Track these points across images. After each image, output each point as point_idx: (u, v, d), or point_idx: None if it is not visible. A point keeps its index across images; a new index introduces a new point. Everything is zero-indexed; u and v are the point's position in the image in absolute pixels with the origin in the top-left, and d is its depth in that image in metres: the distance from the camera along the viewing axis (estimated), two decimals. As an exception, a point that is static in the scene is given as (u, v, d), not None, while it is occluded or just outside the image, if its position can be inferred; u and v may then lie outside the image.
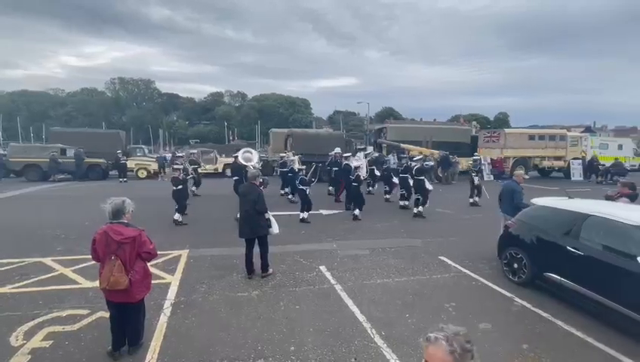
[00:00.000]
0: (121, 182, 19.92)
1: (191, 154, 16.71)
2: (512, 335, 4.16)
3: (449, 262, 6.70)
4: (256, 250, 5.88)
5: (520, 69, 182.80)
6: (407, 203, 12.05)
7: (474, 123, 35.77)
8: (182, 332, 4.17)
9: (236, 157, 10.29)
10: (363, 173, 10.61)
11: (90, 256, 3.68)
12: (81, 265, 6.21)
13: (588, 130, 49.01)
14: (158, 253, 6.82)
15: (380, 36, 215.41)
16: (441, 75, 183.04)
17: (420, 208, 10.78)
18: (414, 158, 11.96)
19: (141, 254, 3.54)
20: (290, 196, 13.44)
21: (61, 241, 7.74)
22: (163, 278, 5.77)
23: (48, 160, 18.98)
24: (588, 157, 23.22)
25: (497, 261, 6.25)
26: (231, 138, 61.00)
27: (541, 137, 22.76)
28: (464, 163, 21.45)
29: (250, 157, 10.11)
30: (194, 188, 14.64)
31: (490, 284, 5.65)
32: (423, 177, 11.05)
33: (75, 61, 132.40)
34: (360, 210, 10.37)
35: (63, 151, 19.89)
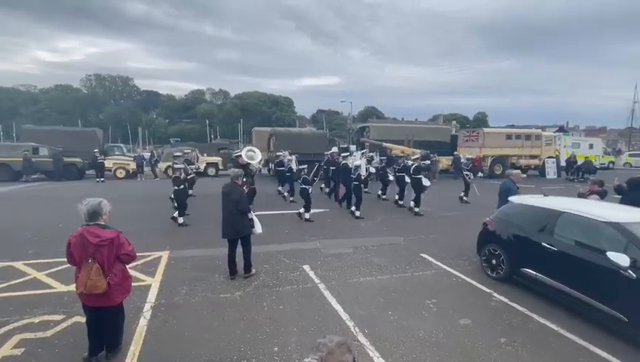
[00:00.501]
0: (98, 182, 19.32)
1: (185, 153, 16.21)
2: (490, 330, 4.27)
3: (430, 259, 6.82)
4: (239, 250, 5.81)
5: (497, 70, 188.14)
6: (402, 201, 12.27)
7: (454, 122, 36.55)
8: (163, 335, 4.08)
9: (239, 156, 10.16)
10: (363, 173, 10.77)
11: (65, 259, 3.55)
12: (55, 269, 5.98)
13: (561, 130, 50.86)
14: (138, 254, 6.68)
15: (362, 36, 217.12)
16: (421, 75, 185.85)
17: (416, 208, 11.02)
18: (413, 158, 12.15)
19: (120, 256, 3.44)
20: (285, 194, 13.42)
21: (33, 244, 7.43)
22: (143, 280, 5.62)
23: (22, 159, 18.19)
24: (563, 157, 24.08)
25: (477, 257, 6.41)
26: (213, 137, 60.07)
27: (518, 137, 23.46)
28: (444, 162, 21.89)
29: (254, 156, 10.05)
30: (190, 191, 14.25)
31: (469, 280, 5.79)
32: (420, 175, 11.23)
33: (48, 56, 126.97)
34: (358, 209, 10.48)
35: (36, 150, 19.09)
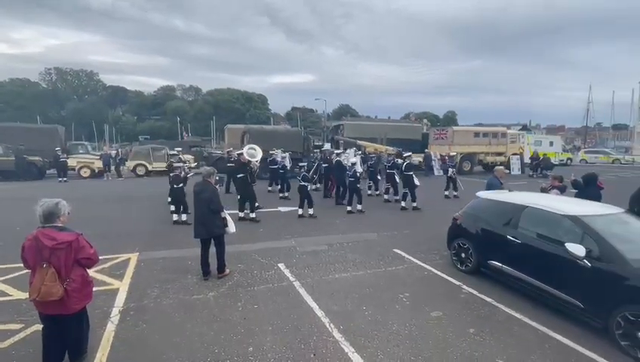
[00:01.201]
0: (60, 181, 18.30)
1: (178, 152, 15.40)
2: (460, 321, 4.42)
3: (403, 254, 6.97)
4: (212, 250, 5.68)
5: (466, 70, 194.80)
6: (394, 197, 12.57)
7: (425, 121, 37.44)
8: (132, 340, 3.93)
9: (240, 154, 10.15)
10: (359, 169, 10.97)
11: (22, 265, 3.32)
12: (11, 275, 5.61)
13: (525, 128, 53.50)
14: (105, 257, 6.42)
15: (336, 34, 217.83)
16: (394, 74, 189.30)
17: (413, 203, 11.30)
18: (405, 156, 12.42)
19: (80, 260, 3.22)
20: (280, 194, 13.34)
21: (-12, 249, 6.93)
22: (110, 284, 5.38)
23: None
24: (527, 154, 25.27)
25: (447, 251, 6.61)
26: (184, 134, 58.38)
27: (485, 135, 24.39)
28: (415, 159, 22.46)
29: (254, 154, 10.03)
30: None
31: (440, 274, 5.96)
32: (411, 173, 11.52)
33: (1, 48, 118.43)
34: (360, 203, 10.80)
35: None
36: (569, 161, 32.18)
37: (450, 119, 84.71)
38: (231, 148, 14.98)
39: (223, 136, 28.75)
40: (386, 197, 12.85)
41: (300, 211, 10.18)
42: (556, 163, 29.41)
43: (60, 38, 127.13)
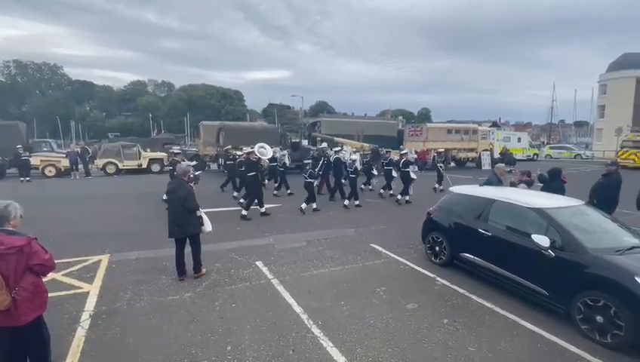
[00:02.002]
0: (22, 181, 17.32)
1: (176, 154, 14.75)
2: (434, 312, 4.56)
3: (380, 248, 7.09)
4: (188, 249, 5.56)
5: (438, 69, 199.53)
6: (388, 192, 13.08)
7: (400, 118, 38.13)
8: (104, 345, 3.79)
9: (251, 152, 10.31)
10: (359, 166, 11.66)
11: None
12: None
13: (495, 125, 55.44)
14: (73, 259, 6.16)
15: (312, 30, 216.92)
16: (370, 71, 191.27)
17: (407, 197, 11.85)
18: (402, 153, 13.11)
19: (32, 267, 2.92)
20: (275, 192, 13.37)
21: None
22: (79, 288, 5.17)
23: None
24: (496, 149, 26.23)
25: (422, 245, 6.78)
26: (156, 131, 56.62)
27: (457, 131, 25.15)
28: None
29: (265, 152, 10.34)
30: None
31: (416, 267, 6.12)
32: (408, 169, 12.09)
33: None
34: (357, 199, 11.27)
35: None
36: (535, 157, 33.71)
37: (424, 116, 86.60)
38: (229, 147, 14.98)
39: (197, 133, 28.09)
40: (381, 191, 13.33)
41: (304, 206, 10.32)
42: (524, 158, 30.79)
43: (19, 28, 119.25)
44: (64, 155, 20.97)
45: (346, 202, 11.20)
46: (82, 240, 7.43)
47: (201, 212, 5.63)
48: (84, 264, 6.09)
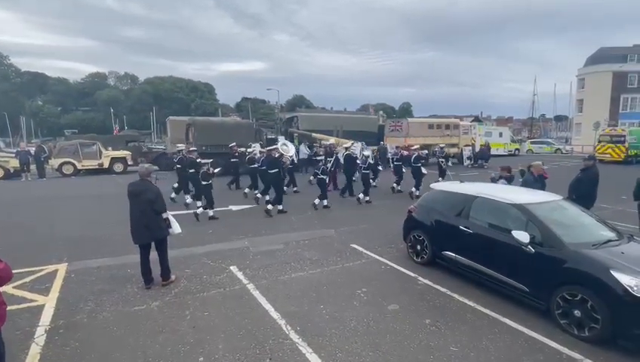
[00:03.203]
0: (-35, 184, 16.34)
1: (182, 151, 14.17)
2: (416, 313, 4.68)
3: (360, 249, 7.18)
4: (154, 255, 5.44)
5: (419, 62, 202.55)
6: (399, 187, 13.88)
7: (380, 112, 38.64)
8: (62, 362, 3.66)
9: (273, 149, 10.93)
10: (372, 162, 12.55)
11: None
12: None
13: (477, 119, 57.17)
14: (25, 270, 5.90)
15: (289, 20, 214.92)
16: (350, 64, 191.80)
17: (417, 192, 12.50)
18: (413, 148, 13.88)
19: None
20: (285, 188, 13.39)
21: None
22: (32, 301, 4.96)
23: None
24: (478, 145, 27.05)
25: (403, 244, 6.92)
26: (116, 127, 54.82)
27: (439, 126, 25.74)
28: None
29: (288, 150, 11.21)
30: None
31: (397, 267, 6.25)
32: (419, 164, 12.98)
33: None
34: (367, 195, 11.83)
35: None
36: (517, 152, 35.01)
37: (405, 110, 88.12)
38: (234, 144, 15.19)
39: (164, 130, 27.40)
40: (395, 187, 13.93)
41: (317, 201, 10.96)
42: (505, 153, 31.92)
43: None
44: (13, 155, 19.94)
45: (367, 198, 11.78)
46: (36, 248, 7.12)
47: (168, 214, 5.52)
48: (39, 274, 5.85)
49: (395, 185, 13.96)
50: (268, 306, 4.81)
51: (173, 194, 11.87)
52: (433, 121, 27.51)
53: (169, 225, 5.49)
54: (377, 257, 6.73)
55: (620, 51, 45.28)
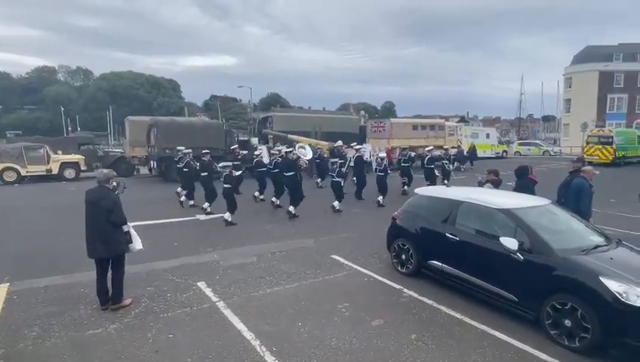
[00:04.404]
0: None
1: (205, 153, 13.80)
2: (402, 328, 4.73)
3: (341, 260, 7.22)
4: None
5: (402, 58, 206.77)
6: (407, 188, 14.64)
7: (362, 112, 39.15)
8: (2, 398, 3.48)
9: (289, 151, 11.68)
10: (387, 163, 13.34)
11: None
12: None
13: (463, 120, 58.85)
14: (-43, 293, 5.56)
15: (262, 10, 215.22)
16: (329, 59, 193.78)
17: None
18: (427, 149, 15.25)
19: None
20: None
21: None
22: (-33, 327, 4.69)
23: None
24: (464, 146, 27.76)
25: (387, 254, 7.01)
26: (70, 128, 53.02)
27: (423, 127, 26.33)
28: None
29: (305, 153, 12.08)
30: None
31: (381, 279, 6.31)
32: (433, 165, 13.95)
33: None
34: (384, 197, 12.51)
35: None
36: (505, 154, 36.18)
37: (388, 110, 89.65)
38: (236, 146, 15.24)
39: (123, 131, 26.74)
40: (405, 188, 14.64)
41: (336, 204, 11.56)
42: (492, 156, 32.91)
43: None
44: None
45: (380, 198, 12.42)
46: (-29, 266, 6.76)
47: (129, 226, 5.37)
48: (-25, 297, 5.55)
49: (405, 187, 14.75)
50: (240, 326, 4.75)
51: (191, 202, 12.33)
52: (417, 121, 28.13)
53: (129, 240, 5.32)
54: (360, 269, 6.78)
55: (606, 50, 47.88)
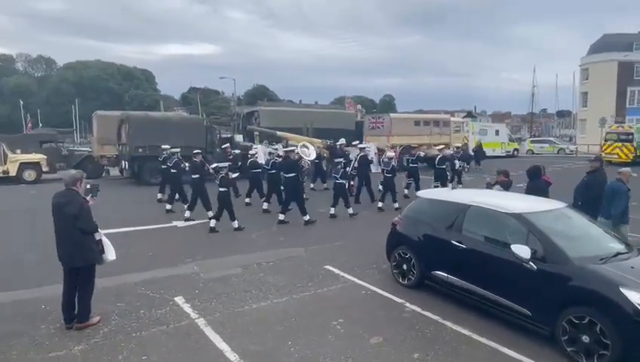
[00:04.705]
0: None
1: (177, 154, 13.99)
2: (403, 346, 4.75)
3: (336, 271, 7.23)
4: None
5: (400, 47, 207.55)
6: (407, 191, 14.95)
7: (359, 107, 39.26)
8: None
9: (291, 151, 12.02)
10: (395, 164, 13.82)
11: None
12: None
13: (470, 115, 59.34)
14: None
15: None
16: (322, 48, 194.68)
17: None
18: (439, 148, 15.72)
19: None
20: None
21: None
22: None
23: None
24: (472, 145, 27.94)
25: (387, 263, 7.03)
26: (30, 124, 52.39)
27: (426, 123, 26.45)
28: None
29: (308, 153, 12.32)
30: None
31: (380, 291, 6.33)
32: (444, 166, 14.49)
33: None
34: (395, 198, 12.93)
35: None
36: (516, 152, 36.58)
37: (387, 104, 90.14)
38: (227, 145, 16.34)
39: (90, 127, 26.51)
40: (406, 192, 14.84)
41: (333, 211, 11.66)
42: (502, 155, 33.23)
43: None
44: None
45: (396, 205, 12.59)
46: None
47: (101, 234, 5.32)
48: None
49: (406, 191, 14.94)
50: (223, 345, 4.73)
51: (169, 206, 12.35)
52: (420, 117, 28.32)
53: (102, 250, 5.26)
54: (356, 280, 6.79)
55: (625, 38, 48.55)
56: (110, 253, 5.40)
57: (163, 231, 10.04)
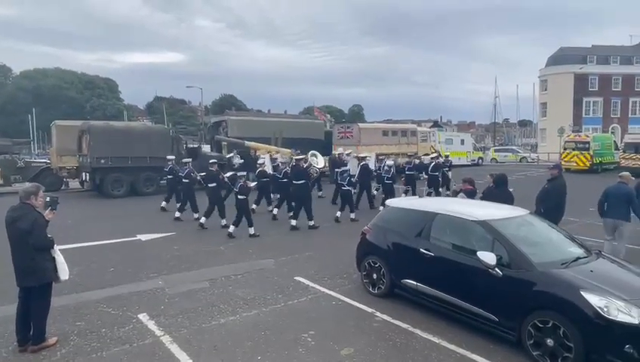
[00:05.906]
0: None
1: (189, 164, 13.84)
2: (374, 356, 4.75)
3: (306, 282, 7.19)
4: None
5: (369, 57, 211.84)
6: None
7: (328, 116, 39.62)
8: None
9: (299, 159, 12.42)
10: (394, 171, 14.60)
11: None
12: None
13: (436, 124, 60.93)
14: None
15: (213, 2, 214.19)
16: (288, 57, 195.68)
17: None
18: (432, 156, 16.57)
19: None
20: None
21: None
22: None
23: None
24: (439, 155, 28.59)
25: (357, 273, 7.05)
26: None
27: (394, 132, 27.00)
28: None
29: (317, 161, 13.27)
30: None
31: (350, 301, 6.33)
32: (437, 173, 15.20)
33: None
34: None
35: None
36: (481, 161, 37.75)
37: (356, 114, 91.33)
38: (232, 155, 16.91)
39: (49, 138, 25.49)
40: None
41: (339, 214, 12.40)
42: (468, 163, 34.21)
43: None
44: None
45: (381, 208, 12.51)
46: None
47: (56, 251, 5.07)
48: None
49: (404, 194, 15.29)
50: (190, 363, 4.60)
51: (177, 214, 12.81)
52: (388, 126, 28.86)
53: (54, 268, 5.00)
54: (327, 291, 6.77)
55: (580, 52, 51.58)
56: (63, 273, 5.11)
57: (126, 245, 9.72)
